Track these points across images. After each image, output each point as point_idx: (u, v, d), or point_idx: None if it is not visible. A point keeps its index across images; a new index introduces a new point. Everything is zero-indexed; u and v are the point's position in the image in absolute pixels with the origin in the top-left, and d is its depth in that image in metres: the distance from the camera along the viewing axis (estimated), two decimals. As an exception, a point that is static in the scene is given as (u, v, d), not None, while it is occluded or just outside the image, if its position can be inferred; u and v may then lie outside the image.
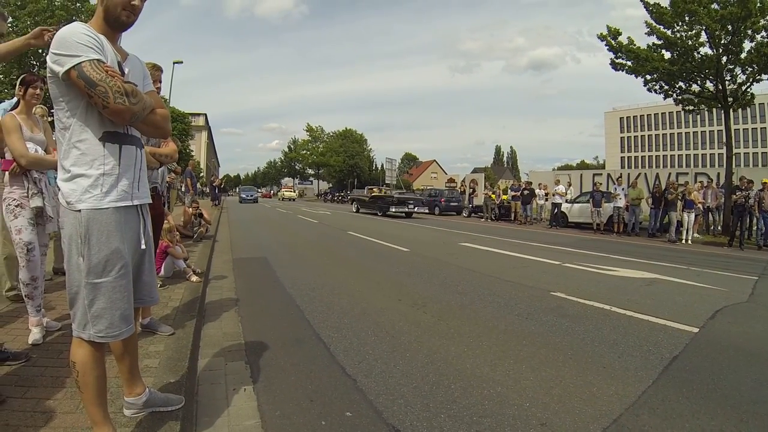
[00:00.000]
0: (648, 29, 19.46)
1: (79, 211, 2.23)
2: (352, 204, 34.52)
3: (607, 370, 3.94)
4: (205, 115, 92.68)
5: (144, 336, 4.12)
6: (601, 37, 20.61)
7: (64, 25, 2.28)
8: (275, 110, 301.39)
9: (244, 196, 51.12)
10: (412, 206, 27.46)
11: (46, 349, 3.75)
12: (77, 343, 2.32)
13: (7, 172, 3.97)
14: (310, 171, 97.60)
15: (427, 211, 30.11)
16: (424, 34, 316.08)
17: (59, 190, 2.30)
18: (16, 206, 3.93)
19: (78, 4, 29.04)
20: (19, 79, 4.15)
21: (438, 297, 6.47)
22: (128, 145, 2.40)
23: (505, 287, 7.20)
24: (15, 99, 4.47)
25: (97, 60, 2.19)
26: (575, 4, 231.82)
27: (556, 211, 22.16)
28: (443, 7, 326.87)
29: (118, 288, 2.31)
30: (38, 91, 4.04)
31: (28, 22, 26.96)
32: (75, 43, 2.16)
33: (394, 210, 26.56)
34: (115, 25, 2.40)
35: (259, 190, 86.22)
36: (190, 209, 12.51)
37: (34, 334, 3.86)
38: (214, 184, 35.81)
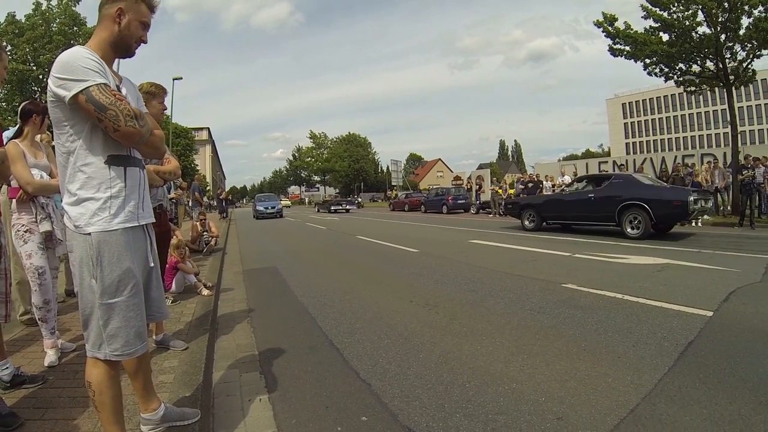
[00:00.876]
0: (644, 12, 19.33)
1: (89, 234, 2.25)
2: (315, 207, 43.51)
3: (622, 359, 3.91)
4: (208, 128, 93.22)
5: (158, 352, 4.15)
6: (598, 24, 20.49)
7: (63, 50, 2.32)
8: (277, 119, 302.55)
9: (261, 208, 34.51)
10: (345, 206, 43.80)
11: (62, 370, 3.78)
12: (92, 363, 2.33)
13: (14, 200, 4.00)
14: (316, 178, 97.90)
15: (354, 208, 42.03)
16: (421, 33, 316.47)
17: (65, 213, 2.30)
18: (25, 232, 3.97)
19: (75, 28, 29.21)
20: (22, 109, 4.19)
21: (449, 296, 6.46)
22: (132, 167, 2.43)
23: (516, 282, 7.18)
24: (18, 127, 4.51)
25: (104, 84, 2.21)
26: None
27: None
28: (438, 4, 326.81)
29: (132, 306, 2.34)
30: (39, 118, 4.09)
31: (27, 49, 27.19)
32: (81, 67, 2.18)
33: (333, 209, 42.50)
34: (123, 52, 2.47)
35: (284, 199, 69.23)
36: (198, 224, 12.56)
37: (50, 356, 3.89)
38: (221, 197, 35.99)
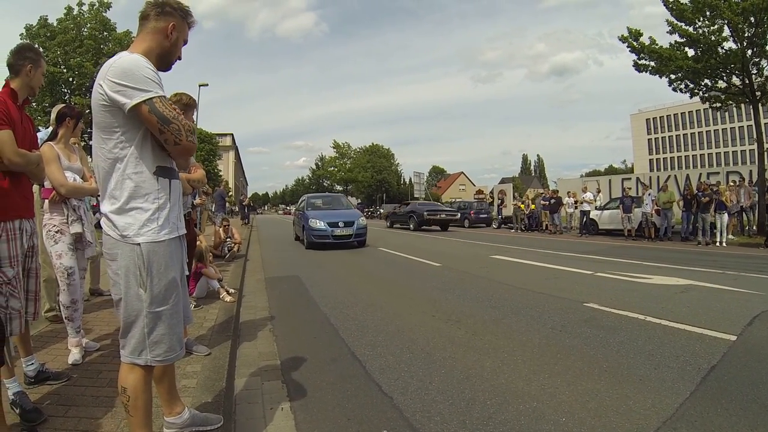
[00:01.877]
0: (669, 27, 19.22)
1: (138, 244, 2.28)
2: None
3: (644, 382, 3.88)
4: (232, 135, 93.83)
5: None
6: (623, 39, 20.46)
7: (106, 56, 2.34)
8: (301, 128, 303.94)
9: (321, 226, 15.97)
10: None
11: (85, 369, 3.86)
12: (128, 369, 2.35)
13: (47, 200, 4.08)
14: (339, 187, 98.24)
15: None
16: (444, 46, 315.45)
17: (108, 220, 2.31)
18: (56, 232, 4.05)
19: (105, 33, 29.68)
20: (57, 112, 4.29)
21: (471, 312, 6.46)
22: (175, 179, 2.47)
23: (538, 299, 7.16)
24: (50, 129, 4.61)
25: (164, 96, 2.26)
26: (593, 5, 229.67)
27: (585, 219, 21.97)
28: (461, 18, 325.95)
29: (176, 314, 2.40)
30: (74, 122, 4.19)
31: (58, 52, 27.63)
32: (143, 77, 2.21)
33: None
34: (164, 66, 2.51)
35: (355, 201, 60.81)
36: (221, 230, 12.67)
37: (74, 355, 3.98)
38: (243, 204, 36.17)
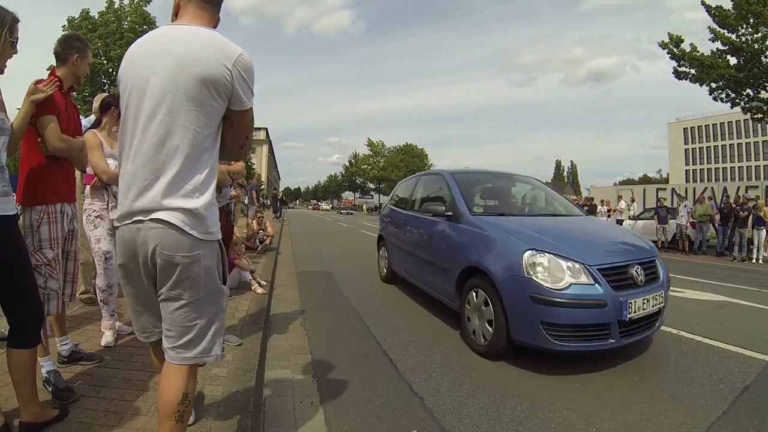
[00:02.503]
0: (711, 34, 18.85)
1: (217, 240, 2.16)
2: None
3: (675, 398, 3.82)
4: (266, 129, 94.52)
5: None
6: (663, 45, 20.14)
7: None
8: (335, 125, 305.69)
9: (586, 284, 4.19)
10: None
11: (117, 351, 3.94)
12: (189, 372, 2.13)
13: (88, 186, 4.16)
14: (371, 185, 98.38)
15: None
16: (480, 48, 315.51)
17: (196, 217, 2.02)
18: (96, 217, 4.12)
19: (145, 27, 30.17)
20: (102, 101, 4.37)
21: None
22: None
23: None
24: (92, 116, 4.70)
25: None
26: (632, 10, 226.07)
27: None
28: (498, 20, 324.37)
29: None
30: (117, 111, 4.26)
31: (99, 44, 28.20)
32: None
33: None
34: None
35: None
36: (254, 222, 12.78)
37: (107, 337, 4.08)
38: (277, 197, 36.35)
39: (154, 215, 1.96)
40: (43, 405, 2.69)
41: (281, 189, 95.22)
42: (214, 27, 2.21)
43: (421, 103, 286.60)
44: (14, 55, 2.60)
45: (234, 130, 2.18)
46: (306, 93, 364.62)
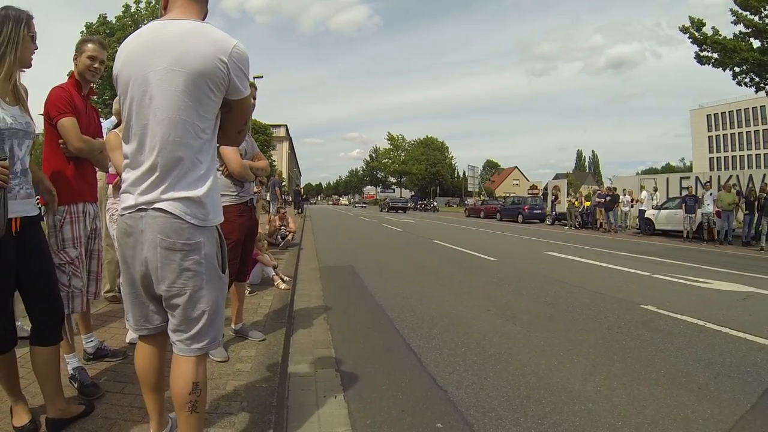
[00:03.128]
0: (734, 17, 18.48)
1: (215, 226, 2.17)
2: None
3: (702, 391, 3.72)
4: (286, 126, 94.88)
5: (236, 341, 4.25)
6: (684, 30, 19.77)
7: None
8: (355, 120, 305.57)
9: None
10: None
11: (142, 348, 3.92)
12: (198, 362, 2.16)
13: (111, 185, 4.18)
14: (392, 179, 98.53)
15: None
16: (499, 38, 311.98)
17: (188, 205, 2.03)
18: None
19: (162, 30, 30.64)
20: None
21: (527, 308, 6.37)
22: None
23: (594, 298, 6.99)
24: (113, 118, 4.73)
25: None
26: None
27: (642, 217, 21.59)
28: (516, 10, 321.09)
29: None
30: None
31: (117, 48, 28.61)
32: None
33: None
34: None
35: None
36: (277, 218, 12.83)
37: (131, 334, 4.05)
38: (300, 194, 36.51)
39: (156, 205, 2.01)
40: (69, 401, 2.70)
41: (302, 185, 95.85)
42: (203, 19, 2.22)
43: (440, 95, 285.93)
44: (36, 51, 2.62)
45: (232, 116, 2.20)
46: (325, 89, 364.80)
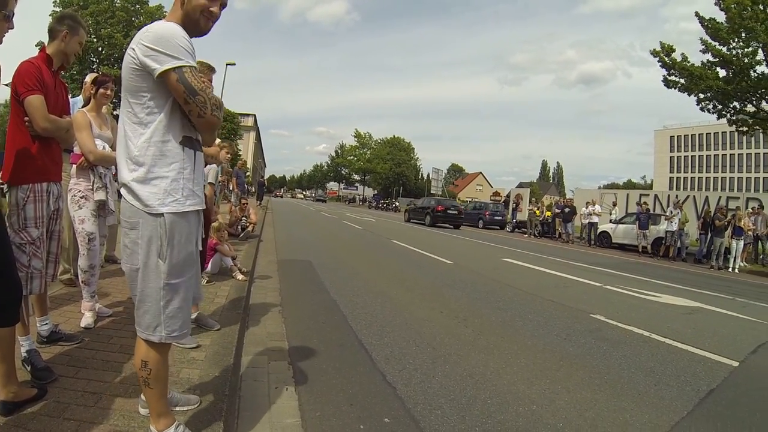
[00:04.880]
0: (703, 46, 19.13)
1: (161, 215, 2.25)
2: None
3: (642, 397, 3.93)
4: (254, 116, 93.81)
5: (191, 330, 4.26)
6: (654, 54, 20.39)
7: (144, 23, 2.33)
8: (324, 114, 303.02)
9: None
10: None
11: (97, 333, 3.93)
12: (148, 345, 2.34)
13: (74, 165, 4.16)
14: (356, 177, 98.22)
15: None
16: (475, 45, 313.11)
17: (129, 189, 2.26)
18: (81, 197, 4.12)
19: (137, 6, 29.98)
20: (92, 78, 4.37)
21: (479, 311, 6.52)
22: (199, 151, 2.44)
23: (546, 306, 7.21)
24: (80, 97, 4.69)
25: (195, 68, 2.24)
26: (628, 16, 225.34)
27: (591, 230, 22.37)
28: (494, 18, 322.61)
29: (190, 288, 2.41)
30: (109, 91, 4.24)
31: (90, 21, 27.94)
32: (177, 45, 2.19)
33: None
34: (193, 30, 2.38)
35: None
36: (237, 208, 12.77)
37: (87, 319, 4.05)
38: (263, 185, 35.99)
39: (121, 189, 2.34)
40: (21, 384, 2.69)
41: (267, 176, 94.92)
42: (183, 23, 2.35)
43: (411, 96, 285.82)
44: (10, 30, 2.61)
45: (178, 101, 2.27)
46: (297, 81, 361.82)
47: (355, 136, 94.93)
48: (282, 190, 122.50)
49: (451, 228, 27.87)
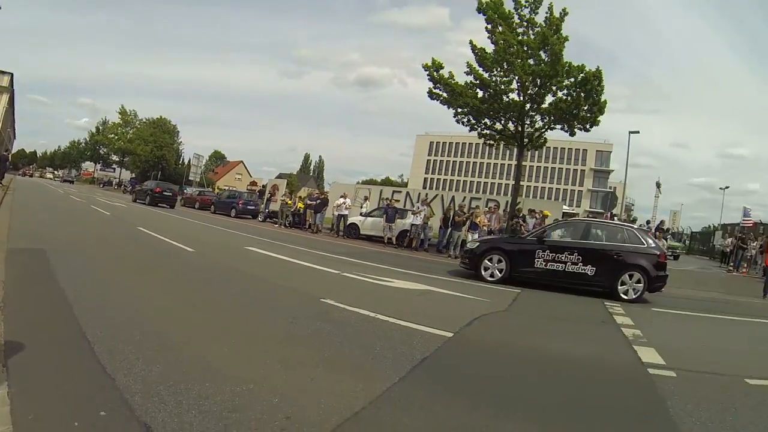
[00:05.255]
0: (468, 68, 21.58)
1: None
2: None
3: (358, 369, 4.39)
4: (12, 75, 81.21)
5: None
6: (425, 67, 22.26)
7: None
8: (92, 83, 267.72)
9: None
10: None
11: None
12: None
13: None
14: (115, 158, 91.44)
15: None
16: (262, 32, 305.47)
17: None
18: None
19: None
20: None
21: (211, 298, 6.75)
22: None
23: (279, 292, 7.69)
24: None
25: None
26: (419, 33, 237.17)
27: (340, 222, 23.74)
28: (288, 9, 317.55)
29: None
30: None
31: None
32: None
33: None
34: None
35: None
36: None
37: None
38: (7, 159, 31.96)
39: None
40: None
41: (15, 151, 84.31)
42: None
43: (189, 76, 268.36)
44: None
45: None
46: (70, 39, 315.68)
47: (119, 113, 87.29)
48: (32, 167, 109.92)
49: (167, 207, 32.24)
